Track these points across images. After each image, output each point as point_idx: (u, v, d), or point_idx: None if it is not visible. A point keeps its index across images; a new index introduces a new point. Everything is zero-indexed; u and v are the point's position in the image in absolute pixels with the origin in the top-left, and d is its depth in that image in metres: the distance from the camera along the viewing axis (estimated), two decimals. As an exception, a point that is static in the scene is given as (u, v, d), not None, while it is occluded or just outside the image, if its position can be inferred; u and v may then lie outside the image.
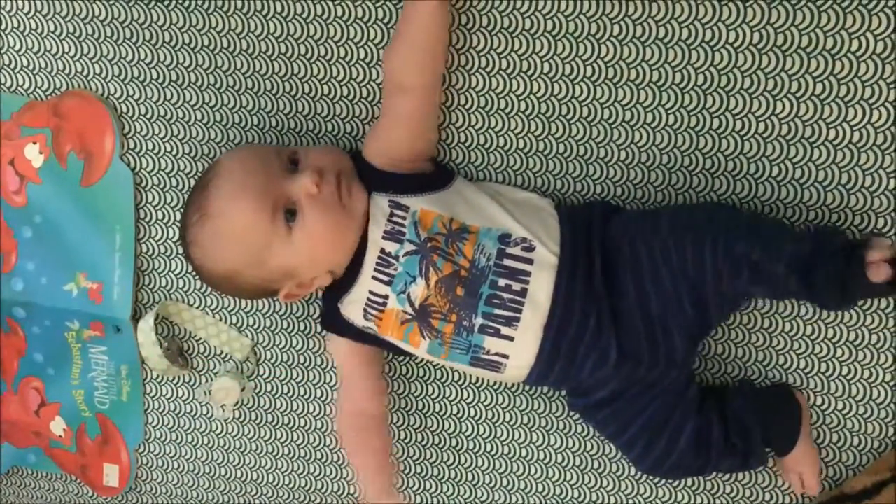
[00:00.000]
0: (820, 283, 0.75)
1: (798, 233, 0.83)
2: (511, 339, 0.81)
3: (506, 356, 0.82)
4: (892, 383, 0.88)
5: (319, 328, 1.00)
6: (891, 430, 0.89)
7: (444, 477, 1.01)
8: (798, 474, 0.89)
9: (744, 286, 0.78)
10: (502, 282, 0.80)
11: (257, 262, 0.83)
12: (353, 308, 0.86)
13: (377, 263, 0.82)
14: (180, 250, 0.99)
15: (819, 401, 0.90)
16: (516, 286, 0.80)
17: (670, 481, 0.95)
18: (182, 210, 0.89)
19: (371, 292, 0.83)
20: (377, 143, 0.86)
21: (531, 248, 0.81)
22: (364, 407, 0.92)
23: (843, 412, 0.89)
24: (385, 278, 0.82)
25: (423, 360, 0.97)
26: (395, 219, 0.82)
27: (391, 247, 0.82)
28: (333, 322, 0.88)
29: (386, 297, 0.83)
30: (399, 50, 0.83)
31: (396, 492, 0.95)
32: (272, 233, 0.81)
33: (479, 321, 0.81)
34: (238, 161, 0.84)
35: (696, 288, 0.79)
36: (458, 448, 1.00)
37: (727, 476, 0.93)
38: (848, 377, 0.88)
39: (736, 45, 0.82)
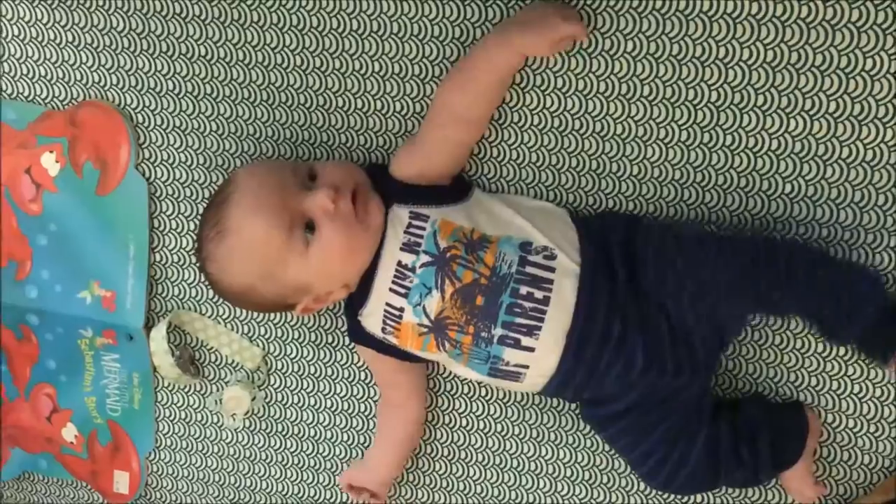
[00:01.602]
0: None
1: (832, 282, 0.80)
2: (532, 349, 0.81)
3: (526, 367, 0.82)
4: (903, 402, 0.88)
5: (331, 339, 1.00)
6: (902, 449, 0.89)
7: (452, 489, 1.01)
8: (798, 491, 0.89)
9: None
10: (524, 289, 0.80)
11: (273, 278, 0.83)
12: (371, 320, 0.86)
13: (395, 275, 0.82)
14: (194, 260, 1.00)
15: (830, 418, 0.89)
16: (539, 294, 0.80)
17: (679, 497, 0.95)
18: (198, 222, 0.89)
19: (388, 304, 0.83)
20: (412, 164, 0.85)
21: (553, 257, 0.81)
22: (398, 407, 0.95)
23: (854, 430, 0.89)
24: (401, 290, 0.82)
25: (429, 369, 0.98)
26: (412, 230, 0.82)
27: (408, 258, 0.82)
28: (358, 334, 0.89)
29: (402, 309, 0.83)
30: (466, 88, 0.83)
31: (383, 490, 0.97)
32: (288, 248, 0.81)
33: (498, 332, 0.81)
34: (255, 176, 0.84)
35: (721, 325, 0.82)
36: (467, 460, 1.00)
37: (736, 493, 0.93)
38: (859, 395, 0.88)
39: (749, 62, 0.82)
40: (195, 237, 0.89)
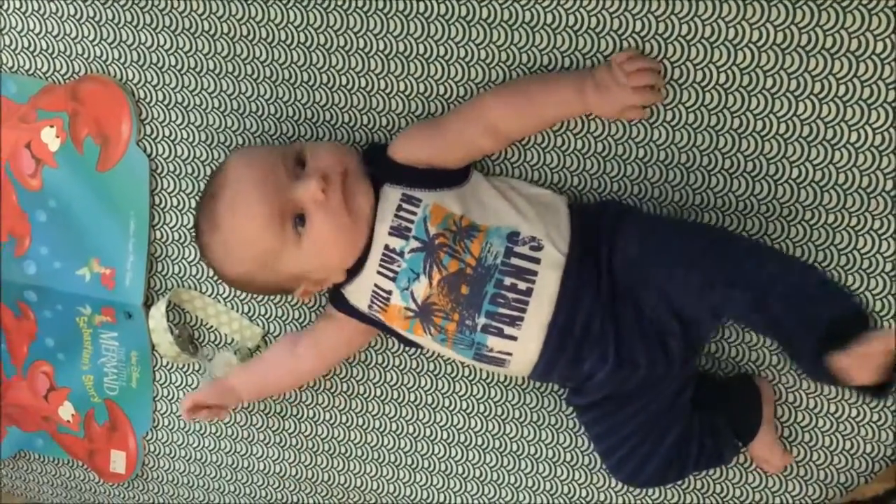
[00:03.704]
0: (798, 358, 0.75)
1: (803, 288, 0.74)
2: (514, 338, 0.81)
3: (509, 354, 0.82)
4: (907, 391, 0.87)
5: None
6: (904, 439, 0.88)
7: (451, 472, 1.01)
8: (765, 461, 0.89)
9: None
10: (508, 280, 0.80)
11: (269, 268, 0.84)
12: (358, 296, 0.86)
13: (382, 259, 0.82)
14: (194, 237, 0.99)
15: (833, 408, 0.89)
16: (522, 285, 0.80)
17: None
18: (195, 212, 0.89)
19: (376, 286, 0.83)
20: (424, 149, 0.84)
21: (539, 248, 0.80)
22: (310, 357, 0.94)
23: (857, 419, 0.89)
24: (389, 274, 0.82)
25: (427, 351, 0.97)
26: (402, 213, 0.82)
27: (396, 243, 0.81)
28: (340, 302, 0.89)
29: (390, 292, 0.83)
30: (521, 112, 0.83)
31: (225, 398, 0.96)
32: (282, 241, 0.81)
33: (482, 320, 0.80)
34: (245, 167, 0.83)
35: (691, 317, 0.79)
36: (466, 443, 1.00)
37: (717, 475, 0.93)
38: (863, 383, 0.88)
39: (759, 44, 0.81)
40: (193, 223, 0.88)
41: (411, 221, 0.81)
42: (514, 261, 0.80)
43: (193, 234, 0.88)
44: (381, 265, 0.82)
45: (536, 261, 0.80)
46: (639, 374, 0.81)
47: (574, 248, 0.81)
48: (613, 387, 0.83)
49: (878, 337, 0.68)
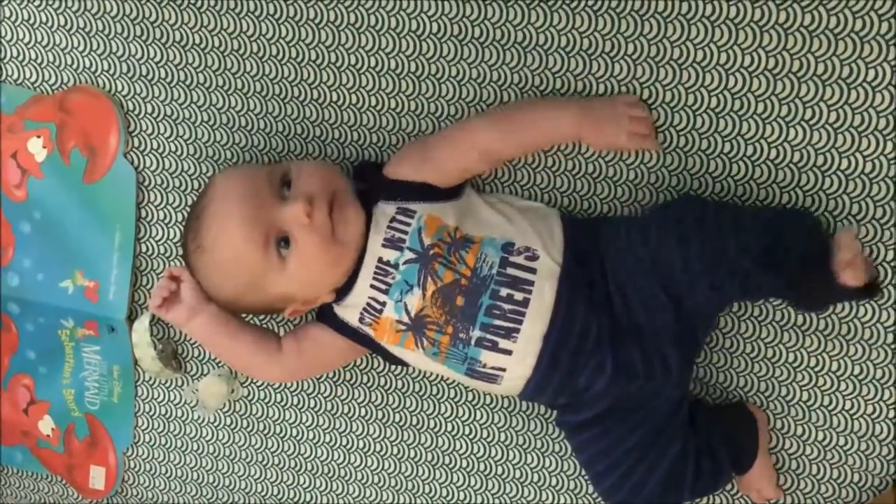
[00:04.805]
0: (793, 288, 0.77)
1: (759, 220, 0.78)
2: (509, 352, 0.80)
3: (503, 369, 0.81)
4: (895, 420, 0.86)
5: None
6: (892, 468, 0.87)
7: (435, 495, 1.00)
8: (756, 490, 0.89)
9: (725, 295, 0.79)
10: (504, 291, 0.79)
11: (255, 289, 0.83)
12: (349, 311, 0.85)
13: (375, 272, 0.81)
14: (180, 251, 0.99)
15: (820, 436, 0.88)
16: (518, 296, 0.79)
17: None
18: (182, 230, 0.88)
19: (371, 298, 0.82)
20: (417, 174, 0.83)
21: (535, 258, 0.80)
22: (290, 369, 0.91)
23: (845, 448, 0.88)
24: (382, 286, 0.81)
25: (413, 371, 0.96)
26: (395, 224, 0.81)
27: (390, 255, 0.81)
28: (329, 318, 0.87)
29: (384, 303, 0.82)
30: (510, 138, 0.83)
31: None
32: (265, 263, 0.80)
33: (476, 333, 0.80)
34: (229, 189, 0.82)
35: (678, 297, 0.78)
36: (451, 466, 0.98)
37: (702, 502, 0.92)
38: (851, 412, 0.87)
39: (751, 69, 0.81)
40: (181, 243, 0.88)
41: (405, 232, 0.81)
42: (510, 271, 0.79)
43: (183, 256, 0.88)
44: (374, 278, 0.81)
45: (532, 271, 0.79)
46: (637, 384, 0.80)
47: (568, 258, 0.80)
48: (611, 399, 0.82)
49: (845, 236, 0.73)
